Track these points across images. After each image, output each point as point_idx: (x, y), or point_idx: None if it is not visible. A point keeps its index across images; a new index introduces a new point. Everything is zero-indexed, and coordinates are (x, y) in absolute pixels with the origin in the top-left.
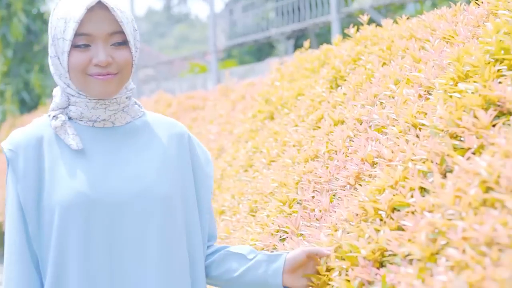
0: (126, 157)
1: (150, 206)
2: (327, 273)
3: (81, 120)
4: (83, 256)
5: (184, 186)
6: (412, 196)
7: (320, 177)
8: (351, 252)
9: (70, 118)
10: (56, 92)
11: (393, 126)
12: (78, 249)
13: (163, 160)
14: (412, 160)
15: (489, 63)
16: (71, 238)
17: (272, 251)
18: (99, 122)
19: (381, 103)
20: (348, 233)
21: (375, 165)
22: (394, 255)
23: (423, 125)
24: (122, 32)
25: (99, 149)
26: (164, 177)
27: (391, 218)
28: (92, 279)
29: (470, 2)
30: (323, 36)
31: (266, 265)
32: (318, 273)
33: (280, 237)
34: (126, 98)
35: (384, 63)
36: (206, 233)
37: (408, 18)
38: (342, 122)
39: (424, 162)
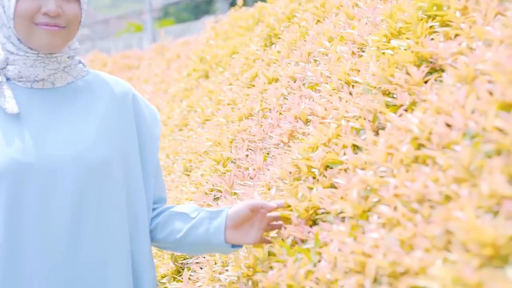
0: (64, 120)
1: (86, 171)
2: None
3: (20, 81)
4: (13, 226)
5: (125, 149)
6: (345, 154)
7: (254, 135)
8: (284, 210)
9: (8, 79)
10: None
11: (327, 83)
12: (9, 218)
13: (103, 122)
14: (345, 117)
15: (421, 19)
16: (1, 206)
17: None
18: (38, 82)
19: (315, 60)
20: (281, 191)
21: (308, 123)
22: (327, 213)
23: (356, 82)
24: None
25: (36, 112)
26: (103, 140)
27: (324, 176)
28: (22, 250)
29: None
30: None
31: (208, 222)
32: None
33: (214, 196)
34: (68, 57)
35: (318, 21)
36: (152, 198)
37: None
38: (276, 80)
39: (357, 120)
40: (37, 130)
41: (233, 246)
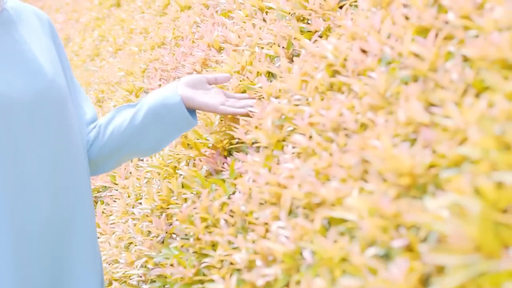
0: (15, 50)
1: (59, 102)
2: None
3: None
4: None
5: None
6: (259, 82)
7: (166, 64)
8: (198, 140)
9: None
10: None
11: (240, 10)
12: None
13: (47, 52)
14: (258, 44)
15: None
16: None
17: None
18: None
19: None
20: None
21: (222, 51)
22: (242, 143)
23: (270, 8)
24: None
25: None
26: (56, 71)
27: None
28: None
29: None
30: None
31: (159, 89)
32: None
33: None
34: None
35: None
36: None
37: None
38: (189, 8)
39: (271, 47)
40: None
41: (190, 113)
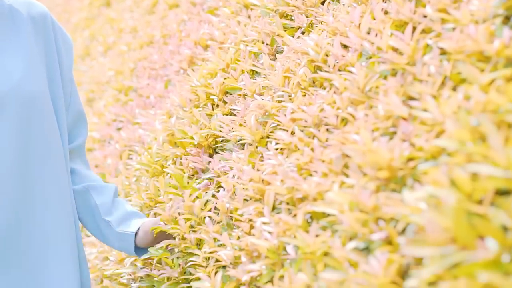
0: None
1: (27, 104)
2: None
3: None
4: None
5: (51, 79)
6: (242, 80)
7: (155, 63)
8: (184, 138)
9: None
10: None
11: (225, 7)
12: None
13: (30, 51)
14: (243, 41)
15: None
16: None
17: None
18: None
19: None
20: (182, 119)
21: (208, 48)
22: (227, 140)
23: (254, 5)
24: None
25: None
26: (35, 71)
27: (224, 102)
28: None
29: None
30: None
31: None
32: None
33: (117, 126)
34: None
35: None
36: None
37: None
38: (177, 6)
39: (255, 44)
40: None
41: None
